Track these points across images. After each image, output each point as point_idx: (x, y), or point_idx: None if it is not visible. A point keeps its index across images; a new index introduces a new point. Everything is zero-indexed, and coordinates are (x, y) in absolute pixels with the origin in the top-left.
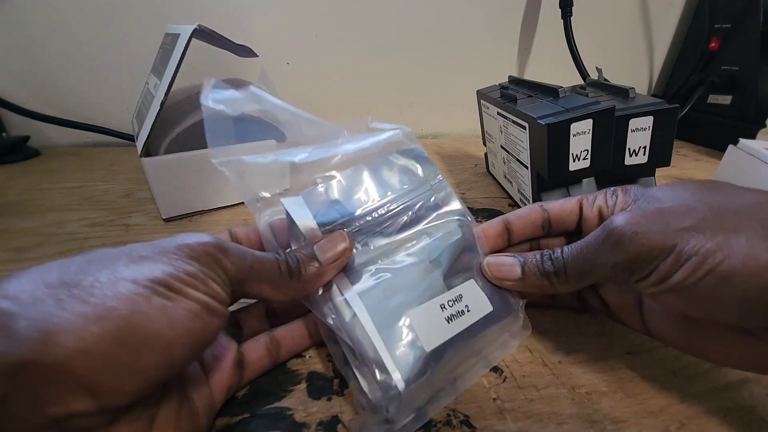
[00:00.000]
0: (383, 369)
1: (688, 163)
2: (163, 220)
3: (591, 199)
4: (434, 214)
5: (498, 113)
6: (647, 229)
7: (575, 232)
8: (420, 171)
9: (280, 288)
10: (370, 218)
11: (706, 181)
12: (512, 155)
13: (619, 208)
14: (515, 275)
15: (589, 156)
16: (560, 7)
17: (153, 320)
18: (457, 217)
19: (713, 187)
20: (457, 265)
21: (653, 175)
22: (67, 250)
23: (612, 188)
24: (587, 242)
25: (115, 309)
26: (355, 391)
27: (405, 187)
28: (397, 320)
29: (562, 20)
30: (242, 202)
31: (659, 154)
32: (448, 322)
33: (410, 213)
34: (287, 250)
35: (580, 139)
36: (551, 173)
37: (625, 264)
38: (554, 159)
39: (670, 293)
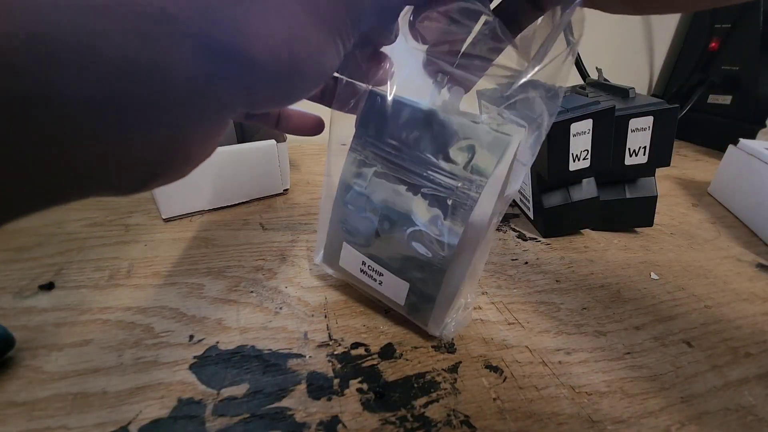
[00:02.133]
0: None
1: (688, 163)
2: (163, 220)
3: None
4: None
5: (498, 113)
6: None
7: None
8: (479, 163)
9: None
10: (393, 153)
11: None
12: None
13: None
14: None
15: (589, 156)
16: None
17: (317, 49)
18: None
19: None
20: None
21: (653, 175)
22: (66, 250)
23: None
24: None
25: (294, 25)
26: None
27: (442, 165)
28: (340, 240)
29: None
30: (242, 203)
31: (659, 154)
32: (360, 271)
33: (421, 191)
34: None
35: (580, 139)
36: (551, 173)
37: None
38: (554, 159)
39: None
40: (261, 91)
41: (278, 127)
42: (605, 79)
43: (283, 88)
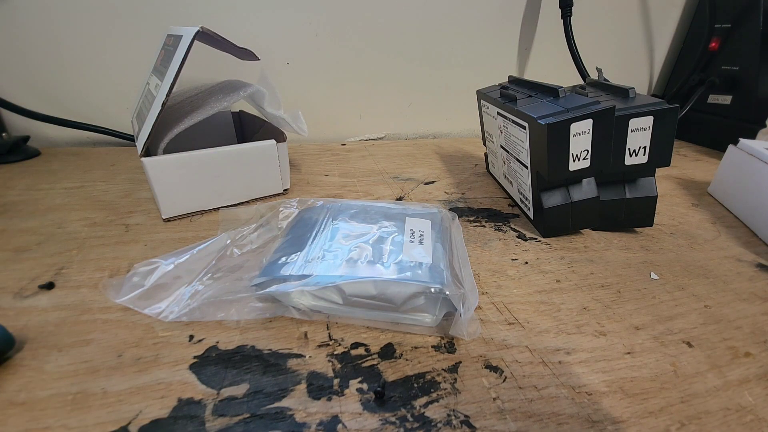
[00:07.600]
0: None
1: (688, 163)
2: (163, 220)
3: None
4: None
5: (498, 113)
6: None
7: None
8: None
9: None
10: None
11: None
12: (512, 155)
13: None
14: None
15: (589, 156)
16: (560, 7)
17: None
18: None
19: None
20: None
21: (653, 175)
22: (66, 250)
23: None
24: None
25: None
26: None
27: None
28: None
29: (562, 20)
30: (242, 203)
31: (659, 154)
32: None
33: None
34: None
35: (580, 139)
36: (551, 173)
37: None
38: (554, 159)
39: None
40: None
41: None
42: (605, 79)
43: None
